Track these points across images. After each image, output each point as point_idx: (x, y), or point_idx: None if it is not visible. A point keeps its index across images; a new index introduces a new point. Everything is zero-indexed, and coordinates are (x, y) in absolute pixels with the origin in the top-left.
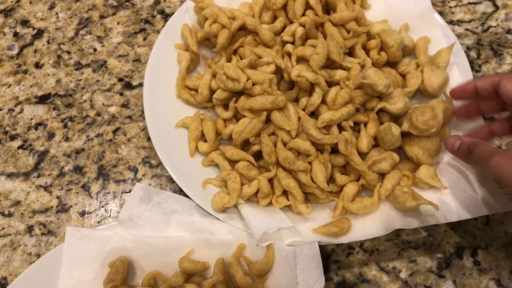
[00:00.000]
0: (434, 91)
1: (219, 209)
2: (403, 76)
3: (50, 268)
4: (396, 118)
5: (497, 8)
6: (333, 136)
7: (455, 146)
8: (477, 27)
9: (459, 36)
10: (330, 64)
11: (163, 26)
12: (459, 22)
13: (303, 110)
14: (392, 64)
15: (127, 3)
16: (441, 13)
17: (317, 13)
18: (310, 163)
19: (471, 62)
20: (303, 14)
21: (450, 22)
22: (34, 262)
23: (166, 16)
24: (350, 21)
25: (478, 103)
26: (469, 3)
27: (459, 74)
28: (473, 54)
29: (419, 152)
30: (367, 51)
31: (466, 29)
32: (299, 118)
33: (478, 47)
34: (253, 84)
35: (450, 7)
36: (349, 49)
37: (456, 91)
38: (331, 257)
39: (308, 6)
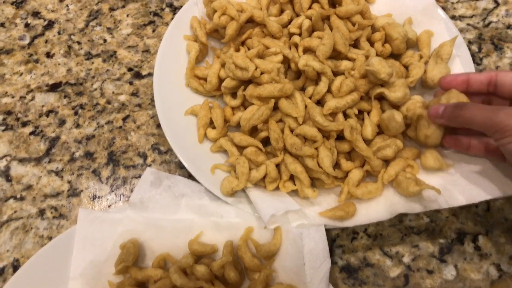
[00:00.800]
0: (434, 85)
1: (228, 193)
2: (406, 67)
3: (62, 249)
4: (397, 107)
5: (497, 4)
6: (338, 123)
7: (439, 110)
8: (478, 22)
9: (461, 30)
10: (335, 55)
11: (172, 18)
12: (461, 17)
13: (310, 98)
14: (396, 56)
15: None
16: (443, 9)
17: (323, 6)
18: (316, 148)
19: (472, 56)
20: (310, 7)
21: (452, 18)
22: (45, 244)
23: (174, 9)
24: (355, 14)
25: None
26: None
27: (462, 66)
28: (474, 48)
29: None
30: (371, 43)
31: (468, 24)
32: (305, 106)
33: (480, 41)
34: (261, 73)
35: (452, 3)
36: (354, 41)
37: (446, 80)
38: (336, 241)
39: (314, 0)
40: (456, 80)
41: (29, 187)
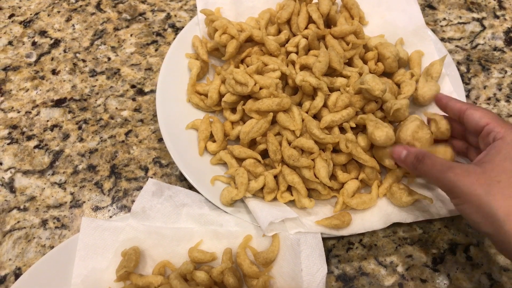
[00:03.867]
0: (425, 101)
1: (227, 203)
2: (398, 85)
3: (64, 257)
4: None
5: (484, 28)
6: (334, 136)
7: (402, 155)
8: (466, 44)
9: (450, 52)
10: (330, 72)
11: (174, 38)
12: (450, 39)
13: (306, 113)
14: (388, 74)
15: (140, 17)
16: (433, 31)
17: (319, 27)
18: (313, 160)
19: (461, 76)
20: (306, 28)
21: (442, 39)
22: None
23: (176, 30)
24: (349, 34)
25: None
26: (458, 22)
27: (451, 84)
28: (463, 68)
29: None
30: (365, 62)
31: (456, 46)
32: (302, 120)
33: (468, 62)
34: (260, 88)
35: (442, 26)
36: (348, 60)
37: (442, 102)
38: (332, 251)
39: (310, 21)
40: (438, 102)
41: (32, 198)
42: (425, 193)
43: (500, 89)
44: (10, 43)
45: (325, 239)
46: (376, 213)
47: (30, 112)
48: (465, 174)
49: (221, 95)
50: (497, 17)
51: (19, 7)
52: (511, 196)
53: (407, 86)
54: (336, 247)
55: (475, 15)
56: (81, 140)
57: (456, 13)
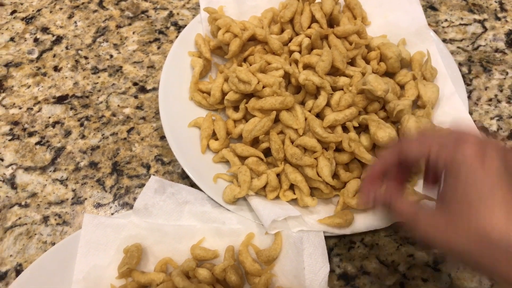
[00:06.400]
0: (432, 105)
1: (230, 201)
2: (401, 86)
3: (65, 254)
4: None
5: (485, 29)
6: (337, 135)
7: (369, 204)
8: (468, 46)
9: (451, 53)
10: (333, 72)
11: (176, 36)
12: (451, 40)
13: (309, 111)
14: (390, 75)
15: (143, 15)
16: (435, 32)
17: (322, 26)
18: (316, 158)
19: (463, 77)
20: (309, 27)
21: (443, 41)
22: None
23: (179, 28)
24: (352, 34)
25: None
26: (460, 24)
27: (453, 85)
28: (464, 69)
29: None
30: (367, 62)
31: (458, 47)
32: (305, 119)
33: (469, 64)
34: (263, 87)
35: (443, 27)
36: (350, 60)
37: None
38: (333, 250)
39: (313, 20)
40: (375, 179)
41: (33, 195)
42: (427, 192)
43: (501, 90)
44: (12, 39)
45: (326, 238)
46: (378, 212)
47: (31, 109)
48: (433, 228)
49: (223, 93)
50: (498, 18)
51: (21, 4)
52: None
53: (411, 89)
54: (337, 246)
55: (477, 17)
56: (83, 137)
57: (457, 15)
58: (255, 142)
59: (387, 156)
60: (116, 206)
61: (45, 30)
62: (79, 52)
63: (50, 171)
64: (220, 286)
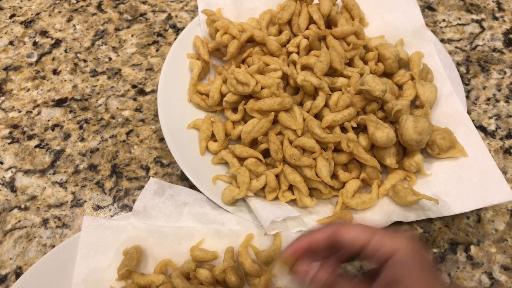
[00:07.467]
0: (430, 104)
1: (229, 202)
2: (399, 86)
3: (65, 257)
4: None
5: (483, 29)
6: (336, 135)
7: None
8: (465, 46)
9: (449, 53)
10: (331, 72)
11: (175, 39)
12: (449, 40)
13: (308, 112)
14: (388, 75)
15: (141, 18)
16: (432, 32)
17: (320, 27)
18: (314, 159)
19: (461, 76)
20: (307, 28)
21: (441, 41)
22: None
23: (177, 30)
24: (350, 35)
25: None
26: (458, 24)
27: (451, 85)
28: (462, 69)
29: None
30: (365, 62)
31: (456, 47)
32: (304, 119)
33: (467, 63)
34: (262, 88)
35: (441, 27)
36: (348, 61)
37: (288, 255)
38: None
39: (311, 21)
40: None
41: (33, 198)
42: (428, 192)
43: (499, 90)
44: (11, 43)
45: None
46: (378, 212)
47: (31, 112)
48: None
49: (222, 95)
50: (496, 18)
51: (20, 7)
52: None
53: (409, 89)
54: None
55: (474, 17)
56: (82, 139)
57: (455, 15)
58: (254, 143)
59: (317, 234)
60: (115, 208)
61: (44, 33)
62: (78, 55)
63: (50, 174)
64: (220, 287)
